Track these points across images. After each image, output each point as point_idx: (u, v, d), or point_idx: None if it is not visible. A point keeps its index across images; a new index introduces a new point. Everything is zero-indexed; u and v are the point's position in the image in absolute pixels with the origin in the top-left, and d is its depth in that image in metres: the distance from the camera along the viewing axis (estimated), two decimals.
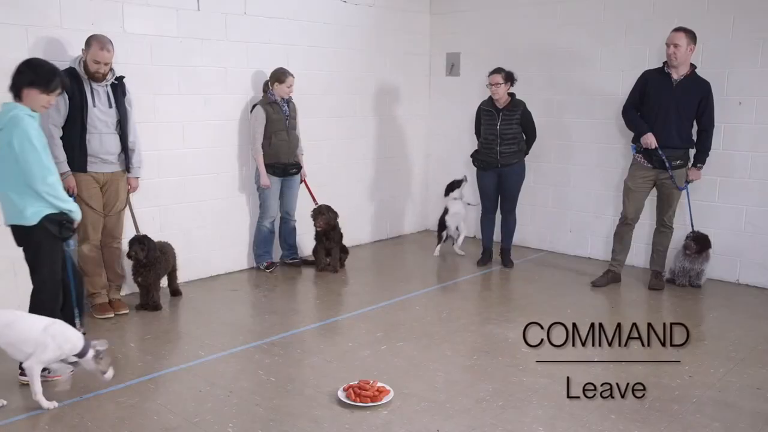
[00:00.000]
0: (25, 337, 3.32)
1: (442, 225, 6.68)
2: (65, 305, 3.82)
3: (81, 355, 3.42)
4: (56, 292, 3.72)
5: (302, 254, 6.39)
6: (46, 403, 3.39)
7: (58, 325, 3.42)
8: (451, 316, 4.92)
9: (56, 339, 3.35)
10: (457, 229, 6.65)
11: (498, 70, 5.82)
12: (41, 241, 3.58)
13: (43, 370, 3.50)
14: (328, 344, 4.44)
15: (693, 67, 5.21)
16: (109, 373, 3.53)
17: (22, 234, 3.59)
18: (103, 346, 3.49)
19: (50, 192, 3.49)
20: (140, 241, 4.77)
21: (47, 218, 3.53)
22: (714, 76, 5.36)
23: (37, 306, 3.65)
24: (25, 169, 3.43)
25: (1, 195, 3.58)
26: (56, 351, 3.35)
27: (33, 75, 3.52)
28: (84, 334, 3.56)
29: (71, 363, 3.49)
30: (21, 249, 3.73)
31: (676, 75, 5.18)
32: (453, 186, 6.63)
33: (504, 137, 5.90)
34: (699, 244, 5.45)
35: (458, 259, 6.56)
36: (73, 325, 3.70)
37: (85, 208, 4.62)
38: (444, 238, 6.70)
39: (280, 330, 4.57)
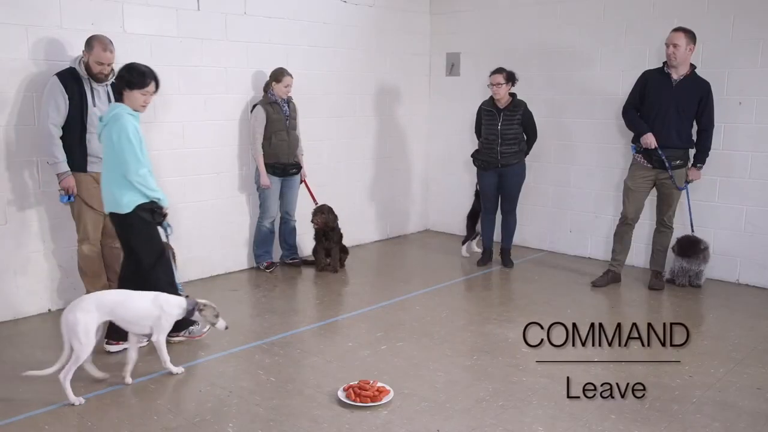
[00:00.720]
0: (141, 312, 3.69)
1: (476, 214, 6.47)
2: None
3: (189, 314, 3.82)
4: (157, 268, 4.07)
5: (302, 254, 6.40)
6: (175, 369, 3.84)
7: (162, 296, 3.80)
8: (451, 316, 4.92)
9: (165, 307, 3.74)
10: None
11: (499, 70, 5.82)
12: (137, 226, 3.98)
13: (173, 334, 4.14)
14: (328, 344, 4.44)
15: (693, 67, 5.20)
16: (221, 323, 3.89)
17: (118, 221, 4.01)
18: (203, 300, 3.90)
19: (141, 182, 3.87)
20: None
21: (140, 207, 3.94)
22: (714, 76, 5.36)
23: (148, 283, 3.97)
24: (121, 160, 3.83)
25: (104, 186, 4.01)
26: (169, 318, 3.76)
27: (129, 77, 3.91)
28: (186, 297, 3.91)
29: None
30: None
31: (676, 75, 5.18)
32: None
33: (505, 137, 5.90)
34: (683, 249, 5.44)
35: (458, 259, 6.56)
36: (177, 291, 4.12)
37: (85, 208, 4.63)
38: (476, 233, 6.54)
39: (280, 330, 4.57)
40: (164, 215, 4.08)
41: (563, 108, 6.60)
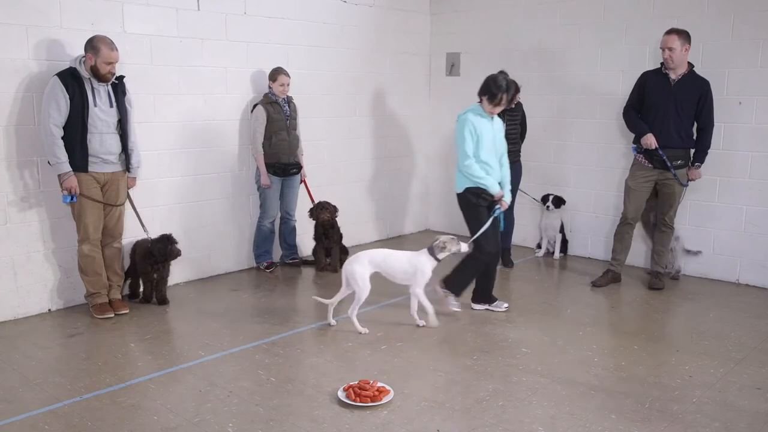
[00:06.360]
0: (398, 267, 4.51)
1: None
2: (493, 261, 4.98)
3: (437, 259, 4.56)
4: (482, 244, 4.73)
5: (302, 254, 6.40)
6: (420, 321, 4.63)
7: (417, 255, 4.55)
8: (451, 316, 4.91)
9: (419, 266, 4.49)
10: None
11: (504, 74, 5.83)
12: (465, 205, 4.83)
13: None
14: (328, 344, 4.44)
15: (691, 65, 5.20)
16: (463, 246, 4.61)
17: (458, 199, 4.87)
18: (439, 239, 4.59)
19: (466, 171, 4.68)
20: (173, 241, 4.95)
21: (468, 190, 4.75)
22: (714, 76, 5.36)
23: (472, 253, 4.76)
24: (457, 149, 4.71)
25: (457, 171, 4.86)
26: (423, 276, 4.52)
27: (488, 89, 4.62)
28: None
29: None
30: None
31: (674, 75, 5.18)
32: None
33: (508, 137, 5.88)
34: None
35: (458, 258, 6.53)
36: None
37: (86, 208, 4.62)
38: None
39: (280, 330, 4.57)
40: (492, 201, 4.73)
41: (563, 108, 6.60)
